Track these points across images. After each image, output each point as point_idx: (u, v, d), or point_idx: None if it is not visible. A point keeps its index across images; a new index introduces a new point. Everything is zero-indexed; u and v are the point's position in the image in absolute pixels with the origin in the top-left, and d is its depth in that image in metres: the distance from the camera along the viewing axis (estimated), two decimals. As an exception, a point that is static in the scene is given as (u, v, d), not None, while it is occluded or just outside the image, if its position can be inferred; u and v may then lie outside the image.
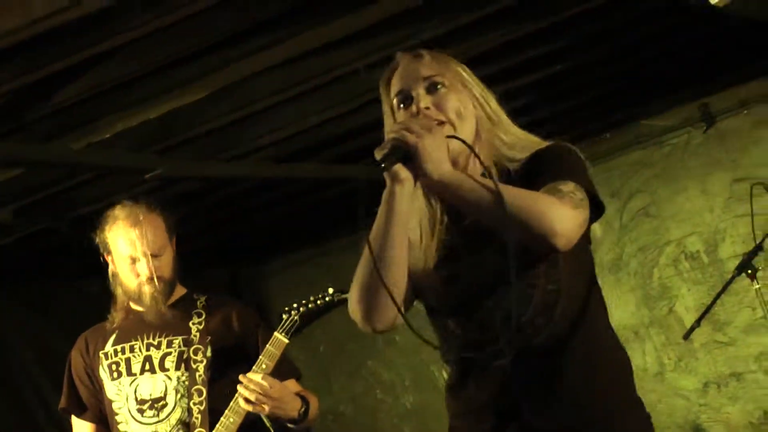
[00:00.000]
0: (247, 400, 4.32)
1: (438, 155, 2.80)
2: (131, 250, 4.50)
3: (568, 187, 2.89)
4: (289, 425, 4.51)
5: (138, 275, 4.53)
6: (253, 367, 4.42)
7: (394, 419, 9.21)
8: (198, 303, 4.69)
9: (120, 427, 4.56)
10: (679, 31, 6.78)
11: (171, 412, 4.48)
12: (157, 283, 4.53)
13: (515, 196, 2.78)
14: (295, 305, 4.62)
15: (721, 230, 8.19)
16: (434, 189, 2.95)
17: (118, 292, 4.63)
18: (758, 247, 6.78)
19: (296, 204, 8.41)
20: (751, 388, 8.09)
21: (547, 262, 2.99)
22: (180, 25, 4.70)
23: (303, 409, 4.49)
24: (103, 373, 4.62)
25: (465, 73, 3.18)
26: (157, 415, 4.49)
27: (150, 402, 4.51)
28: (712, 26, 6.67)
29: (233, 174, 7.10)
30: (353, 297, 3.04)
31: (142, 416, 4.50)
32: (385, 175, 2.84)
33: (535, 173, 2.98)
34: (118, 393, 4.57)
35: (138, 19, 4.47)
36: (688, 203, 8.31)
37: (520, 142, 3.13)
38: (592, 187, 2.98)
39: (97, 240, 4.62)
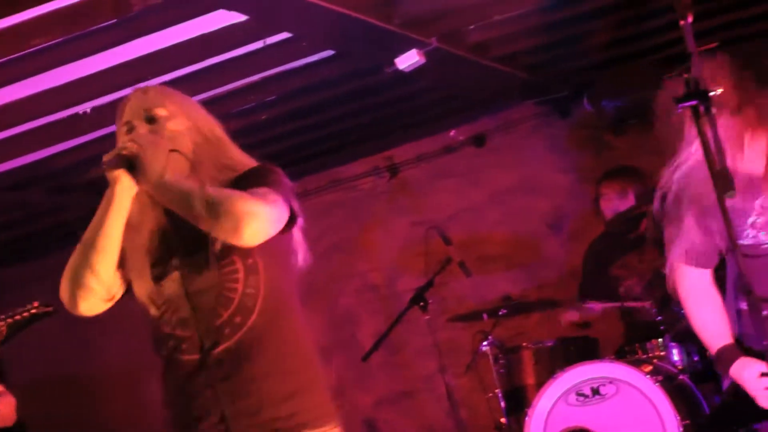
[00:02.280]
0: None
1: (156, 164, 2.91)
2: None
3: (263, 190, 2.97)
4: None
5: None
6: None
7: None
8: None
9: None
10: (370, 91, 7.02)
11: None
12: None
13: (214, 192, 2.90)
14: (2, 316, 4.41)
15: (399, 266, 8.38)
16: (152, 192, 3.00)
17: None
18: (430, 283, 7.04)
19: (23, 228, 8.30)
20: (418, 405, 8.32)
21: (246, 269, 3.03)
22: None
23: None
24: None
25: (188, 104, 3.23)
26: None
27: None
28: (399, 89, 6.96)
29: None
30: (63, 280, 3.04)
31: None
32: (109, 177, 2.94)
33: (241, 184, 3.02)
34: None
35: None
36: (372, 242, 8.48)
37: (238, 162, 3.17)
38: (288, 196, 3.06)
39: None
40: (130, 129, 3.12)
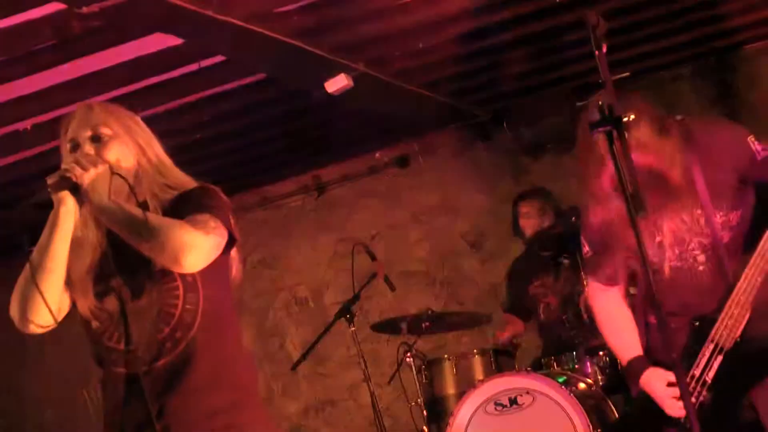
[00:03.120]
0: None
1: (99, 187, 2.90)
2: None
3: (204, 217, 2.97)
4: None
5: None
6: None
7: (44, 428, 8.95)
8: None
9: None
10: (300, 113, 7.04)
11: None
12: None
13: (156, 220, 2.90)
14: None
15: (326, 281, 8.40)
16: (96, 214, 2.99)
17: None
18: (356, 297, 7.02)
19: None
20: (342, 413, 8.34)
21: (185, 286, 3.02)
22: None
23: None
24: None
25: (132, 123, 3.18)
26: None
27: None
28: (326, 111, 6.97)
29: None
30: (13, 300, 3.02)
31: None
32: (54, 198, 2.91)
33: (181, 206, 3.03)
34: None
35: None
36: (300, 257, 8.48)
37: (178, 182, 3.14)
38: (227, 220, 3.05)
39: None
40: (75, 146, 3.10)
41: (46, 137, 5.94)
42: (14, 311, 3.02)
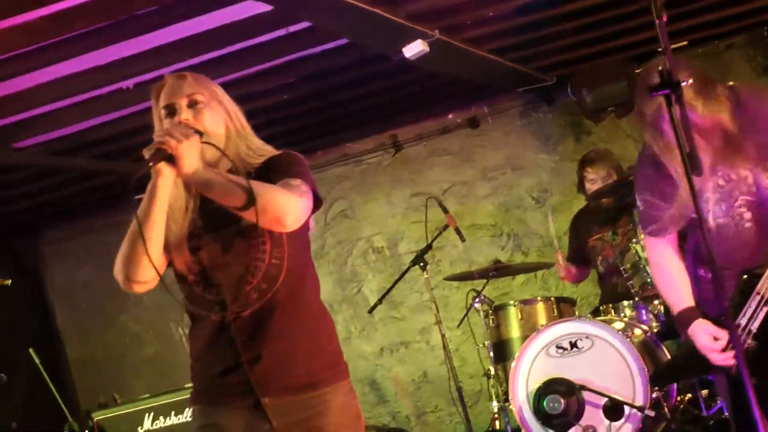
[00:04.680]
0: None
1: (192, 157, 2.88)
2: None
3: (297, 182, 3.00)
4: None
5: None
6: None
7: (138, 363, 9.12)
8: None
9: None
10: (378, 76, 7.03)
11: None
12: None
13: (257, 186, 2.89)
14: None
15: (401, 232, 8.42)
16: (190, 182, 3.00)
17: None
18: (429, 246, 7.07)
19: (70, 189, 8.35)
20: (415, 354, 8.38)
21: (272, 242, 3.05)
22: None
23: None
24: None
25: (219, 92, 3.19)
26: None
27: None
28: (404, 75, 6.97)
29: (15, 162, 7.07)
30: (119, 261, 3.04)
31: None
32: (151, 170, 2.90)
33: (271, 172, 3.05)
34: None
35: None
36: (377, 209, 8.50)
37: (259, 151, 3.17)
38: (313, 185, 3.08)
39: None
40: (171, 112, 3.11)
41: (146, 96, 5.99)
42: (118, 275, 3.06)
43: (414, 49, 5.91)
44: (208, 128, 3.06)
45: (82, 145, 7.09)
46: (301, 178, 3.05)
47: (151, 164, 2.87)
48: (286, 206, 2.94)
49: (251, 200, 2.86)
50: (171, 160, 2.89)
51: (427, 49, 5.91)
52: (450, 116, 8.33)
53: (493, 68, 7.04)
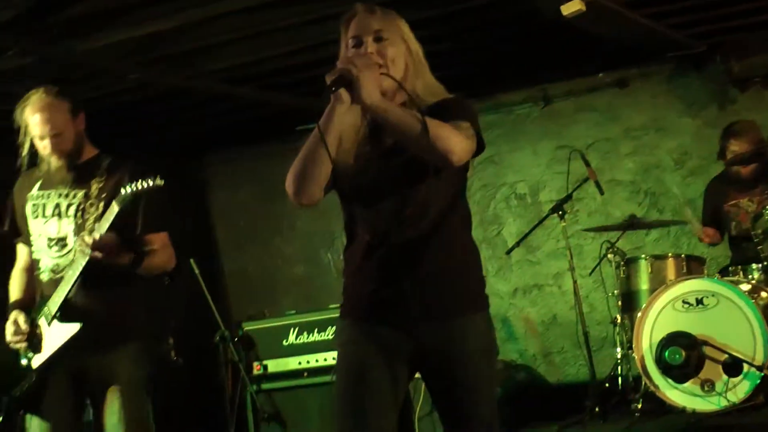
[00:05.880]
0: (82, 252, 4.14)
1: (372, 86, 2.91)
2: (37, 131, 4.29)
3: (465, 124, 3.04)
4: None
5: (44, 149, 4.33)
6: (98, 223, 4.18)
7: (287, 283, 9.33)
8: (102, 164, 4.40)
9: (34, 255, 4.43)
10: (534, 31, 7.02)
11: (70, 250, 4.30)
12: (59, 155, 4.32)
13: (429, 121, 2.92)
14: (133, 184, 4.13)
15: (543, 181, 8.43)
16: (366, 110, 3.02)
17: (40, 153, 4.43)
18: (569, 197, 7.09)
19: (237, 116, 8.54)
20: (546, 297, 8.42)
21: (433, 175, 3.06)
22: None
23: (133, 260, 4.26)
24: (29, 211, 4.46)
25: (405, 29, 3.19)
26: (60, 251, 4.34)
27: (56, 240, 4.36)
28: (559, 32, 6.97)
29: (189, 86, 7.30)
30: (291, 176, 3.08)
31: (50, 250, 4.36)
32: (331, 95, 2.94)
33: (443, 113, 3.05)
34: (36, 229, 4.42)
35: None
36: (522, 158, 8.51)
37: (434, 90, 3.20)
38: (479, 129, 3.12)
39: (16, 117, 4.35)
40: (358, 43, 3.15)
41: (316, 34, 6.13)
42: (289, 189, 3.09)
43: (572, 7, 5.91)
44: (389, 64, 3.11)
45: (252, 75, 7.24)
46: (470, 121, 3.09)
47: (333, 89, 2.91)
48: (454, 144, 2.96)
49: (423, 133, 2.89)
50: (351, 87, 2.91)
51: (584, 8, 5.92)
52: (600, 75, 8.26)
53: (647, 32, 6.98)
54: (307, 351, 6.81)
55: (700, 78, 7.99)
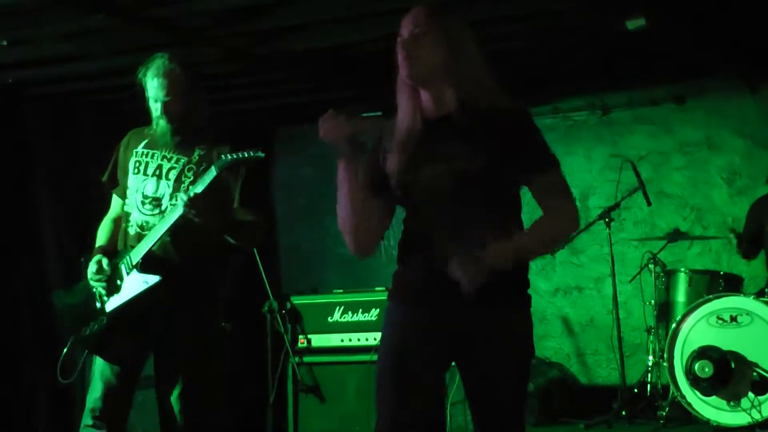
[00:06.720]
0: (176, 208, 4.19)
1: (503, 261, 3.01)
2: (152, 93, 4.37)
3: (556, 177, 3.18)
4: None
5: (155, 111, 4.39)
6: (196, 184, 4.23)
7: (337, 262, 9.24)
8: (208, 134, 4.47)
9: (126, 208, 4.47)
10: (598, 44, 7.00)
11: (162, 211, 4.34)
12: (168, 119, 4.38)
13: (545, 232, 3.20)
14: (233, 152, 4.20)
15: (593, 187, 8.40)
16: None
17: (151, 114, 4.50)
18: (617, 205, 7.13)
19: (308, 97, 8.35)
20: (586, 299, 8.40)
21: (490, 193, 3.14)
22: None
23: (226, 226, 4.32)
24: (131, 166, 4.50)
25: (451, 26, 3.18)
26: (152, 210, 4.37)
27: (151, 199, 4.39)
28: (618, 45, 6.96)
29: (277, 59, 7.09)
30: (347, 234, 3.26)
31: (143, 207, 4.40)
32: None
33: (520, 143, 3.11)
34: (134, 184, 4.46)
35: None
36: (574, 163, 8.45)
37: (489, 90, 3.16)
38: (555, 157, 3.18)
39: (139, 76, 4.41)
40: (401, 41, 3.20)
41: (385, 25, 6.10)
42: (350, 244, 3.32)
43: (636, 23, 5.94)
44: (423, 56, 3.13)
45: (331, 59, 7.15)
46: (553, 164, 3.19)
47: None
48: (570, 227, 3.22)
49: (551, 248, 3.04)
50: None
51: (646, 23, 5.93)
52: (658, 89, 8.23)
53: (706, 51, 6.96)
54: (350, 329, 6.88)
55: (756, 100, 7.94)
